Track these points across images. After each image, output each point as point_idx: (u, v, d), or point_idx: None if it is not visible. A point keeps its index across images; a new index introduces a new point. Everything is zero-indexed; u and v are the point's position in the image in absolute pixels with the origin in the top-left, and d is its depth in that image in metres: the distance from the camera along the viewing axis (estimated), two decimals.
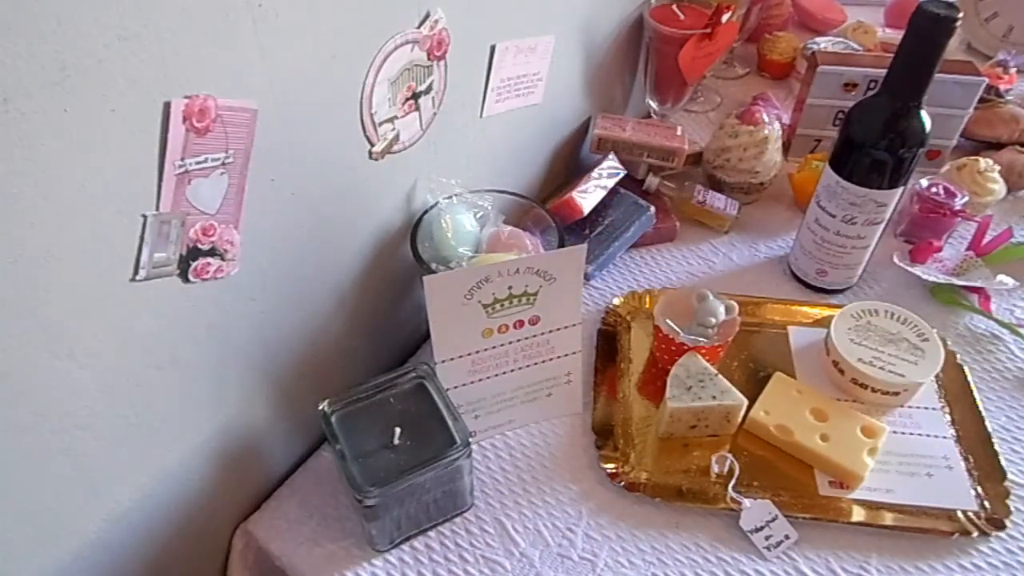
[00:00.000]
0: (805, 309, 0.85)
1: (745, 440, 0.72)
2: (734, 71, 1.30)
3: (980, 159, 0.96)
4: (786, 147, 1.04)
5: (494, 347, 0.67)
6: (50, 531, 0.51)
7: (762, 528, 0.64)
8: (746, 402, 0.70)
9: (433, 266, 0.70)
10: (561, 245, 0.71)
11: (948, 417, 0.73)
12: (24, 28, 0.36)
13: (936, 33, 0.68)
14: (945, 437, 0.72)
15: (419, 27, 0.61)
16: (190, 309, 0.53)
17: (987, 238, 0.89)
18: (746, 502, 0.65)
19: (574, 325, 0.70)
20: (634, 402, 0.76)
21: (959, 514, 0.65)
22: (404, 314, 0.80)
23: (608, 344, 0.81)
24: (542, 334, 0.69)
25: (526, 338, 0.68)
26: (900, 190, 0.77)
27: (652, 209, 0.90)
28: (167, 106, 0.44)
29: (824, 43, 1.22)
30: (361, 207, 0.66)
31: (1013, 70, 1.14)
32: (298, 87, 0.53)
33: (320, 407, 0.61)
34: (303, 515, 0.67)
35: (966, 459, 0.70)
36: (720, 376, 0.70)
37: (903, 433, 0.72)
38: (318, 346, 0.68)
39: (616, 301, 0.85)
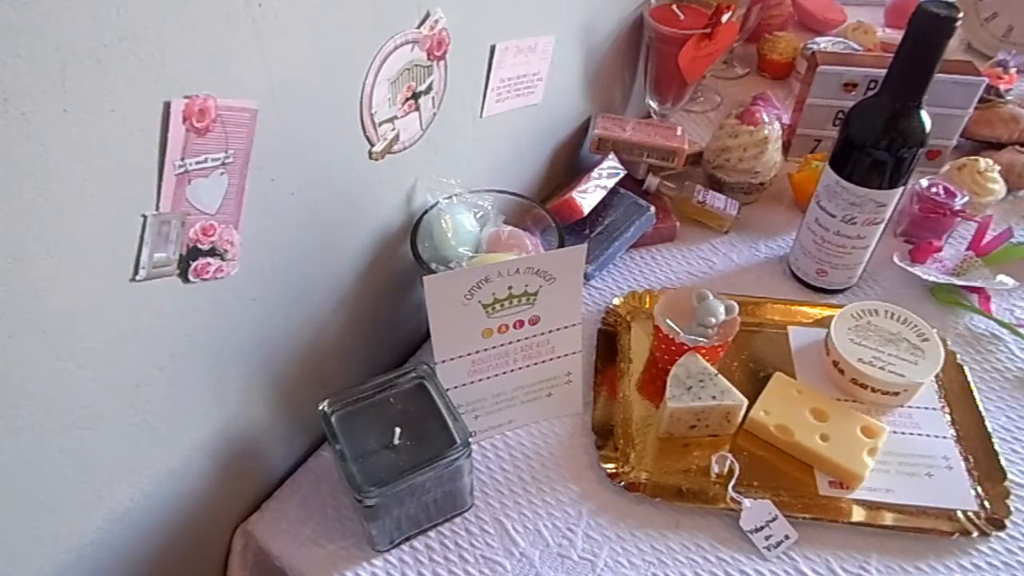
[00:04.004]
0: (805, 309, 0.85)
1: (745, 440, 0.72)
2: (734, 71, 1.30)
3: (980, 159, 0.96)
4: (786, 147, 1.04)
5: (494, 347, 0.67)
6: (50, 531, 0.51)
7: (762, 528, 0.64)
8: (746, 402, 0.70)
9: (433, 266, 0.70)
10: (561, 245, 0.71)
11: (948, 417, 0.73)
12: (24, 28, 0.35)
13: (936, 33, 0.68)
14: (945, 437, 0.72)
15: (419, 27, 0.61)
16: (190, 309, 0.53)
17: (987, 238, 0.89)
18: (746, 502, 0.65)
19: (574, 325, 0.70)
20: (634, 402, 0.76)
21: (959, 514, 0.65)
22: (404, 314, 0.80)
23: (608, 344, 0.81)
24: (542, 334, 0.69)
25: (526, 338, 0.68)
26: (900, 190, 0.77)
27: (652, 209, 0.90)
28: (167, 106, 0.44)
29: (824, 43, 1.22)
30: (361, 207, 0.66)
31: (1013, 70, 1.14)
32: (298, 87, 0.53)
33: (320, 407, 0.61)
34: (303, 515, 0.67)
35: (966, 459, 0.70)
36: (720, 376, 0.70)
37: (903, 433, 0.72)
38: (318, 346, 0.68)
39: (616, 301, 0.85)
